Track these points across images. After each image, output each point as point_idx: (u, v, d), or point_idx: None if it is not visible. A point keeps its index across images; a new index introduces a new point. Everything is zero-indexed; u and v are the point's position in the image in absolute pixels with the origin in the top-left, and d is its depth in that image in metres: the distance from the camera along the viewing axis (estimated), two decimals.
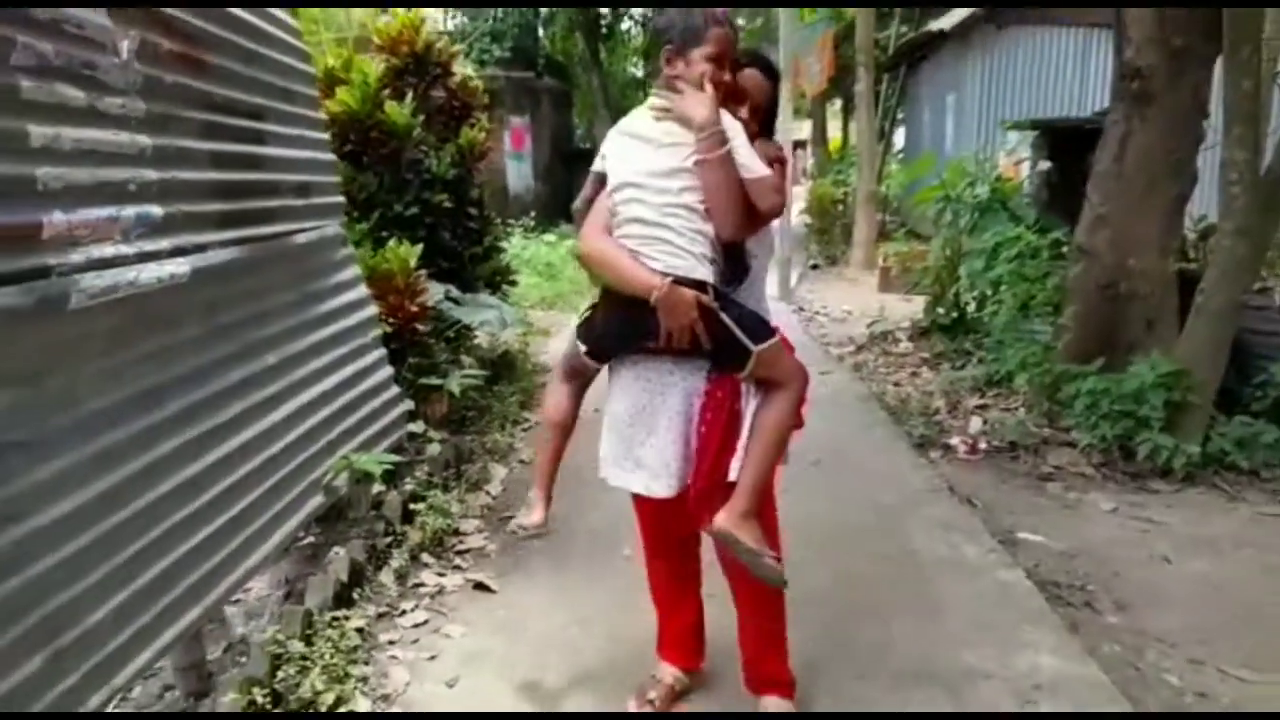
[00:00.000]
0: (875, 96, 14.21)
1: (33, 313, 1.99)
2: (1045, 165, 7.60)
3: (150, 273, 2.39)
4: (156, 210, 2.48)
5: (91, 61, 2.25)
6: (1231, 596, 3.30)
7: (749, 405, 2.20)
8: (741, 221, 2.13)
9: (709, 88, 2.11)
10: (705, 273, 2.12)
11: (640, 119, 2.21)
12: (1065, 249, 5.86)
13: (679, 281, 2.08)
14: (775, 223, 2.36)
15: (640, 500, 2.38)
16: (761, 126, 2.32)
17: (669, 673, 2.62)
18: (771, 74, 2.36)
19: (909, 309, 8.42)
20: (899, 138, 19.44)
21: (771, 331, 2.19)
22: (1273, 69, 6.43)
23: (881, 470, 4.56)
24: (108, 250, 2.25)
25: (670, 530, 2.46)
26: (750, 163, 2.12)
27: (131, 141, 2.40)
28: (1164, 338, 4.78)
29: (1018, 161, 9.06)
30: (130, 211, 2.36)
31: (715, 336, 2.13)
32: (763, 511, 2.25)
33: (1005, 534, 3.79)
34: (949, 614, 3.09)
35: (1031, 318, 5.95)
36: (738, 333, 2.12)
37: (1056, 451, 4.71)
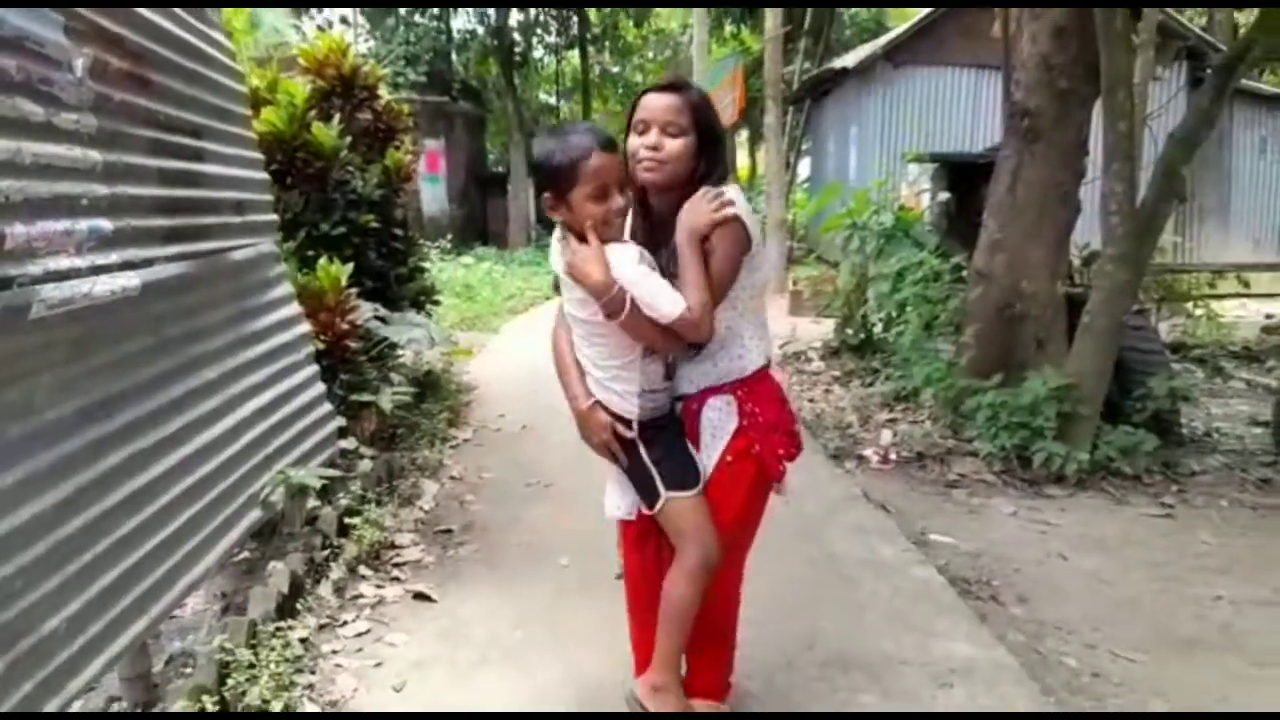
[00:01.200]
0: (781, 128, 14.72)
1: None
2: (944, 196, 8.08)
3: (104, 285, 2.42)
4: (106, 224, 2.51)
5: (49, 78, 2.29)
6: (1119, 589, 3.61)
7: (699, 455, 2.19)
8: (672, 346, 2.06)
9: (593, 242, 1.96)
10: (623, 405, 2.10)
11: (556, 246, 2.11)
12: (965, 273, 6.24)
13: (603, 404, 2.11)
14: (741, 277, 2.09)
15: (621, 524, 2.42)
16: (700, 167, 2.05)
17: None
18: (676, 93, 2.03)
19: (819, 330, 8.77)
20: (804, 167, 20.16)
21: (689, 485, 2.12)
22: (1143, 111, 7.03)
23: (801, 481, 4.70)
24: (63, 263, 2.28)
25: (643, 554, 2.42)
26: (657, 304, 1.95)
27: (84, 156, 2.43)
28: (1054, 355, 5.16)
29: (919, 192, 9.56)
30: (83, 225, 2.39)
31: (631, 467, 2.15)
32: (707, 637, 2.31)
33: (917, 536, 4.05)
34: (870, 609, 3.30)
35: (935, 337, 6.31)
36: (654, 473, 2.12)
37: (961, 460, 5.03)
